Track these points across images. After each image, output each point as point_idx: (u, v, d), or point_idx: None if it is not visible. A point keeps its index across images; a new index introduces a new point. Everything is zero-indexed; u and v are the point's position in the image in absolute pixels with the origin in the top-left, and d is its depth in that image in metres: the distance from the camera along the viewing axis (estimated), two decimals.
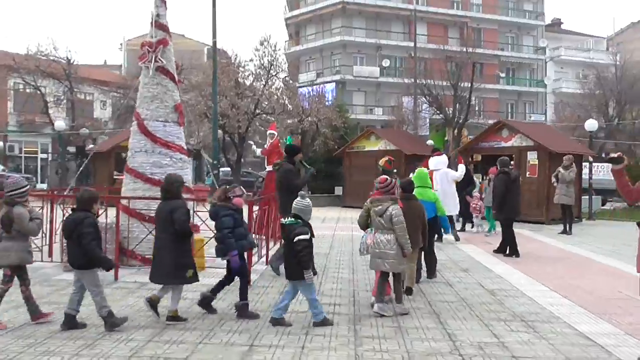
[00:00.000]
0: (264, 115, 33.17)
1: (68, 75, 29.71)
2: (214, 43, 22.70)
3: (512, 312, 7.22)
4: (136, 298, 7.62)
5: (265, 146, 14.04)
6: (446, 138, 30.60)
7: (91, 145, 31.41)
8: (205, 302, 6.96)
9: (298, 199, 6.61)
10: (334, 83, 47.48)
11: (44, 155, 42.09)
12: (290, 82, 34.03)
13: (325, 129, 29.56)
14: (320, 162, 31.73)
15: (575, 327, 6.55)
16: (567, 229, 15.58)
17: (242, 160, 32.80)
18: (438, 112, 31.47)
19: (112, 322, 6.14)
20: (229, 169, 35.20)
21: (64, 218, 6.82)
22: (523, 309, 7.39)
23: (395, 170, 11.72)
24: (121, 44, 64.61)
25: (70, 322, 6.17)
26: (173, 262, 6.40)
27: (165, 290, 6.61)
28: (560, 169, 15.83)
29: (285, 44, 53.42)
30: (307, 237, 6.28)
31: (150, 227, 9.33)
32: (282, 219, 6.96)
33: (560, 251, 12.68)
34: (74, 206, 6.47)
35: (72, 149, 30.30)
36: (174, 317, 6.51)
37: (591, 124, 21.94)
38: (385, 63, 49.37)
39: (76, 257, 6.17)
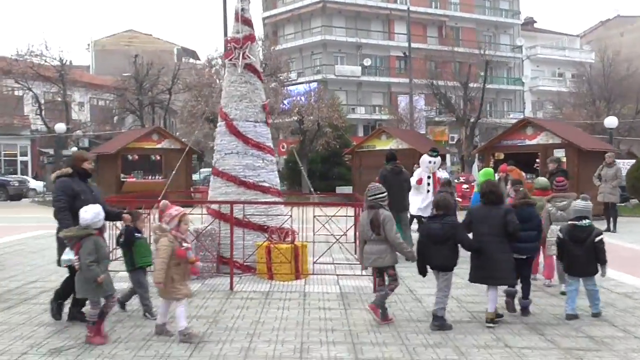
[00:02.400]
0: None
1: (62, 77, 28.42)
2: (226, 41, 21.94)
3: None
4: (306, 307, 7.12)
5: None
6: (459, 137, 30.71)
7: (74, 148, 30.24)
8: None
9: (582, 201, 6.84)
10: (316, 83, 47.15)
11: (24, 158, 40.45)
12: (285, 81, 33.48)
13: (327, 128, 29.22)
14: (317, 162, 31.45)
15: None
16: (612, 226, 15.57)
17: None
18: (449, 111, 31.48)
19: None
20: None
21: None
22: None
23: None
24: (89, 44, 62.87)
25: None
26: (511, 262, 6.47)
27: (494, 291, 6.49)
28: (603, 166, 15.86)
29: (261, 44, 52.82)
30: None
31: (247, 232, 8.88)
32: None
33: (629, 250, 12.47)
34: None
35: (67, 152, 28.99)
36: (493, 320, 6.39)
37: (611, 121, 22.24)
38: (367, 62, 49.35)
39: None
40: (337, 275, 8.93)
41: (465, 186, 22.35)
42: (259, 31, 53.25)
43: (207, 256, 8.81)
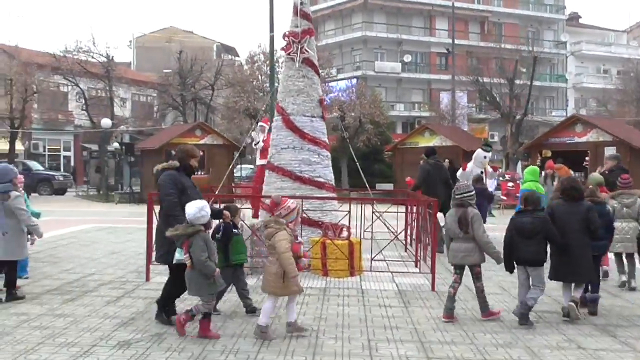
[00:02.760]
0: None
1: (109, 73, 28.94)
2: (271, 37, 22.04)
3: None
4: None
5: (261, 140, 12.78)
6: (504, 134, 30.17)
7: (115, 144, 30.67)
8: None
9: None
10: (355, 79, 46.98)
11: (67, 153, 41.39)
12: (327, 77, 33.40)
13: (368, 124, 29.06)
14: (357, 158, 31.29)
15: None
16: None
17: None
18: (494, 108, 30.99)
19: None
20: None
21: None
22: None
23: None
24: (130, 41, 63.90)
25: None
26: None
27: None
28: None
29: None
30: None
31: (302, 228, 8.82)
32: None
33: None
34: None
35: (110, 147, 29.49)
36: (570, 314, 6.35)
37: None
38: (407, 59, 48.90)
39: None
40: (392, 272, 8.84)
41: (510, 184, 21.95)
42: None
43: (262, 252, 8.80)
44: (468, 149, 23.25)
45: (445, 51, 42.30)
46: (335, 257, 8.60)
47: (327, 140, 9.68)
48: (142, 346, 5.39)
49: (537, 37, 53.36)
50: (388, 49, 49.17)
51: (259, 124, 13.18)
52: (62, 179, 30.03)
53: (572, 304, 6.32)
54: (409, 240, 11.20)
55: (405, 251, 10.97)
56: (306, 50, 9.42)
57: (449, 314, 6.38)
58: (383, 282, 8.37)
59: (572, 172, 16.06)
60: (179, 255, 5.64)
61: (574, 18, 57.70)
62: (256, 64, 31.77)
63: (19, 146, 31.75)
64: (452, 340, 5.74)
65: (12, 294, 6.90)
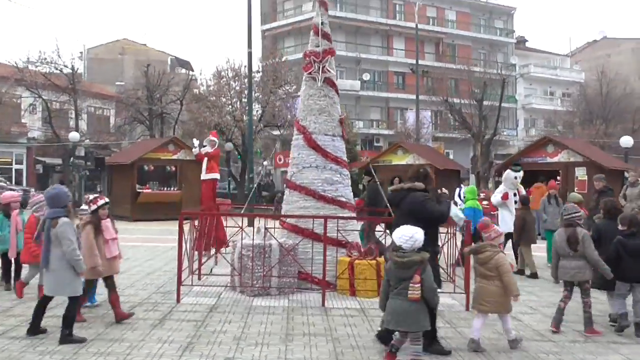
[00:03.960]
0: (267, 127, 32.70)
1: (74, 85, 28.01)
2: (249, 54, 21.98)
3: None
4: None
5: (202, 151, 12.47)
6: (474, 153, 30.96)
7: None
8: None
9: None
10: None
11: (19, 166, 39.72)
12: (294, 94, 33.50)
13: None
14: None
15: None
16: None
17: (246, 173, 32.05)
18: (464, 128, 31.79)
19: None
20: None
21: None
22: None
23: None
24: (81, 53, 62.34)
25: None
26: None
27: None
28: (628, 186, 15.94)
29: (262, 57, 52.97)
30: None
31: (321, 246, 8.78)
32: None
33: None
34: None
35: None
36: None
37: (626, 140, 22.65)
38: (366, 77, 49.62)
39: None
40: None
41: (485, 202, 22.45)
42: (257, 44, 53.48)
43: (289, 271, 8.73)
44: (441, 167, 23.86)
45: (411, 71, 43.16)
46: (364, 277, 8.61)
47: (346, 160, 9.71)
48: None
49: (488, 59, 55.31)
50: (347, 67, 49.71)
51: (209, 138, 12.77)
52: (21, 193, 28.66)
53: None
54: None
55: None
56: (328, 70, 9.47)
57: (557, 325, 6.93)
58: None
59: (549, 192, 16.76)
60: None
61: (521, 42, 60.04)
62: (223, 79, 31.51)
63: None
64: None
65: (67, 335, 5.99)
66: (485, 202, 22.74)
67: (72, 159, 27.55)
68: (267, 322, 7.01)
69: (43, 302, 6.28)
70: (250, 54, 21.96)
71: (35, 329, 6.20)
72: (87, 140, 29.23)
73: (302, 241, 8.93)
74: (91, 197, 6.98)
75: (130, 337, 6.23)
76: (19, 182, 36.66)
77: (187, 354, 5.71)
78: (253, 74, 30.12)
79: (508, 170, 13.04)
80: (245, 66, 32.41)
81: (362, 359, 5.74)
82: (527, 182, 19.77)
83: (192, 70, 57.38)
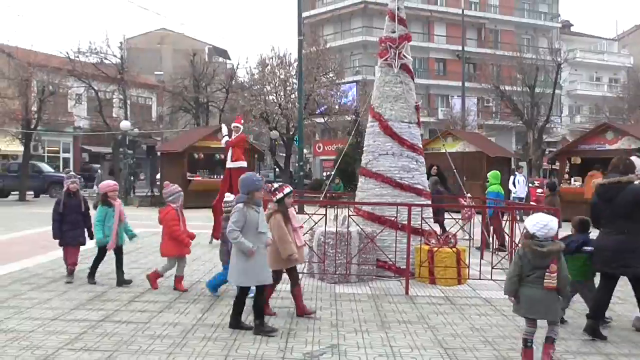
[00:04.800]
0: (312, 116, 32.66)
1: (122, 75, 28.44)
2: (300, 41, 21.89)
3: None
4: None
5: (229, 139, 12.24)
6: (527, 141, 30.47)
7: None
8: None
9: None
10: (355, 83, 47.06)
11: (66, 155, 40.70)
12: (337, 82, 33.41)
13: None
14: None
15: None
16: None
17: (290, 160, 32.16)
18: (516, 115, 31.33)
19: None
20: None
21: None
22: None
23: None
24: (121, 43, 63.16)
25: None
26: None
27: None
28: None
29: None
30: None
31: (400, 234, 8.72)
32: None
33: None
34: None
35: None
36: None
37: None
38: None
39: None
40: (494, 280, 8.77)
41: (539, 190, 22.13)
42: (295, 32, 53.40)
43: (368, 259, 8.71)
44: (492, 155, 23.47)
45: (457, 57, 42.51)
46: (444, 266, 8.53)
47: (421, 147, 9.61)
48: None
49: (532, 44, 54.16)
50: None
51: (233, 124, 12.53)
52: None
53: None
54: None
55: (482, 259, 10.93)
56: (404, 56, 9.36)
57: None
58: (494, 291, 8.28)
59: None
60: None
61: (566, 26, 58.63)
62: (268, 67, 31.58)
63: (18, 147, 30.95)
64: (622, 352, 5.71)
65: (258, 325, 5.92)
66: (539, 190, 22.47)
67: (121, 147, 27.93)
68: (357, 310, 6.99)
69: (241, 297, 6.09)
70: (300, 42, 21.86)
71: (237, 323, 6.06)
72: (136, 129, 29.58)
73: (379, 229, 8.89)
74: (275, 185, 6.75)
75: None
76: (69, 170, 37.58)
77: (292, 340, 5.73)
78: (295, 62, 30.18)
79: (633, 157, 12.40)
80: (290, 54, 32.62)
81: (466, 347, 5.67)
82: (582, 170, 19.54)
83: (230, 59, 57.79)
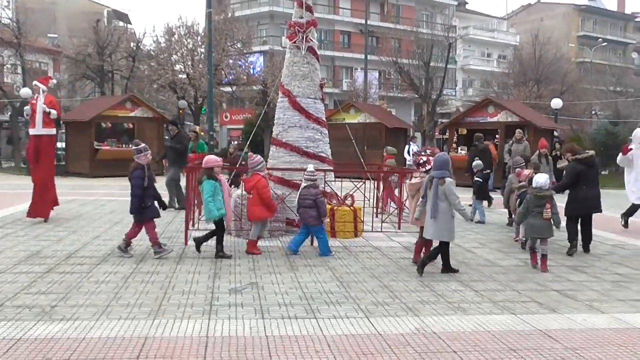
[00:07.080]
0: (220, 85, 33.22)
1: (19, 40, 27.50)
2: (209, 13, 22.42)
3: None
4: None
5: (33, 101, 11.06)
6: (421, 113, 32.63)
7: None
8: None
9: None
10: (261, 54, 47.75)
11: None
12: (245, 52, 34.10)
13: None
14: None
15: None
16: None
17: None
18: (412, 89, 33.38)
19: None
20: None
21: None
22: None
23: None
24: (8, 2, 59.71)
25: None
26: None
27: None
28: (513, 142, 16.48)
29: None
30: None
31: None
32: None
33: None
34: None
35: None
36: None
37: (556, 102, 24.75)
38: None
39: None
40: (383, 232, 10.37)
41: (431, 157, 24.24)
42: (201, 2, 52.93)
43: (278, 218, 10.01)
44: (390, 126, 25.41)
45: (360, 31, 44.11)
46: (343, 221, 10.01)
47: (325, 120, 10.95)
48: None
49: (430, 20, 57.00)
50: None
51: (34, 82, 11.32)
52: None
53: None
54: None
55: (377, 216, 12.54)
56: (310, 40, 10.60)
57: None
58: (385, 241, 9.87)
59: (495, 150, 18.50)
60: None
61: (461, 4, 61.99)
62: (175, 36, 31.75)
63: None
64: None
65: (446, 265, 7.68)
66: (431, 157, 24.64)
67: (20, 116, 27.32)
68: (270, 258, 8.31)
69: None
70: (209, 14, 22.43)
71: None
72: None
73: (288, 192, 10.21)
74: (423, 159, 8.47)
75: (164, 270, 7.40)
76: None
77: (217, 280, 6.96)
78: (203, 32, 30.53)
79: (637, 129, 12.14)
80: (198, 24, 32.88)
81: (357, 280, 7.15)
82: (468, 140, 21.76)
83: (131, 24, 56.25)
